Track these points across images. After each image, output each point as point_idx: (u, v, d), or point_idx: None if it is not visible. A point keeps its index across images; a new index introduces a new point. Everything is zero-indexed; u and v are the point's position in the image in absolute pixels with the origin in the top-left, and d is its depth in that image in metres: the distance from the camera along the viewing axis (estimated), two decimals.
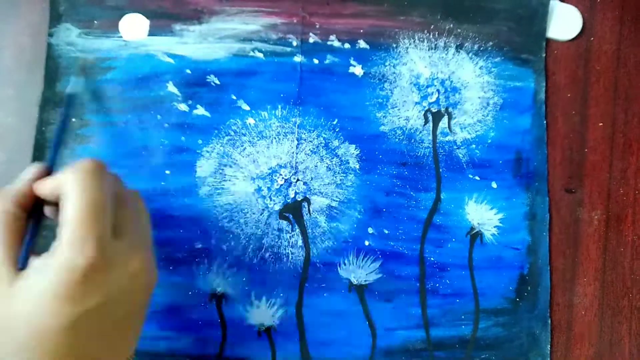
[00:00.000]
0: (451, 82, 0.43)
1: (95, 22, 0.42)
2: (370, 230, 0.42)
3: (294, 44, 0.42)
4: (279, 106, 0.42)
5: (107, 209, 0.28)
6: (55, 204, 0.30)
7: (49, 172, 0.33)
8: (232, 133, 0.42)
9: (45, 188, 0.30)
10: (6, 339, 0.27)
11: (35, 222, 0.31)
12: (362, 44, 0.43)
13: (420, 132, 0.43)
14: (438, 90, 0.43)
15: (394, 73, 0.43)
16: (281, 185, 0.42)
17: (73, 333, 0.26)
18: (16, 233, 0.29)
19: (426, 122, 0.43)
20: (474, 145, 0.43)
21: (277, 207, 0.42)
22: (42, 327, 0.26)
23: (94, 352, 0.28)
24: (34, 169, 0.32)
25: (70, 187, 0.28)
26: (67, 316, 0.26)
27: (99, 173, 0.29)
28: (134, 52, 0.42)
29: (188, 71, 0.42)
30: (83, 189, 0.28)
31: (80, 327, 0.27)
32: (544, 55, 0.43)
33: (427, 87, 0.43)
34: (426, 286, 0.42)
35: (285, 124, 0.42)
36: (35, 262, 0.28)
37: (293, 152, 0.42)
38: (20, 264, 0.28)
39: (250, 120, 0.42)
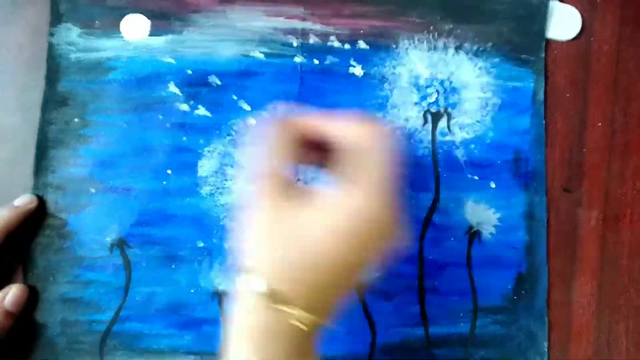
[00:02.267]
0: (450, 82, 0.43)
1: (96, 22, 0.42)
2: None
3: (295, 44, 0.42)
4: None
5: None
6: None
7: None
8: (234, 133, 0.42)
9: None
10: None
11: None
12: (362, 44, 0.43)
13: (420, 132, 0.43)
14: (437, 91, 0.43)
15: (394, 74, 0.43)
16: None
17: None
18: None
19: (425, 122, 0.43)
20: (472, 145, 0.43)
21: None
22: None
23: None
24: None
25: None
26: None
27: None
28: (135, 52, 0.42)
29: (189, 71, 0.42)
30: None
31: None
32: (543, 55, 0.43)
33: (427, 87, 0.43)
34: (425, 284, 0.42)
35: None
36: None
37: None
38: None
39: (251, 121, 0.42)
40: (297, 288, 0.28)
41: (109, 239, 0.41)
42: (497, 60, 0.43)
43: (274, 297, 0.27)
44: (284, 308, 0.27)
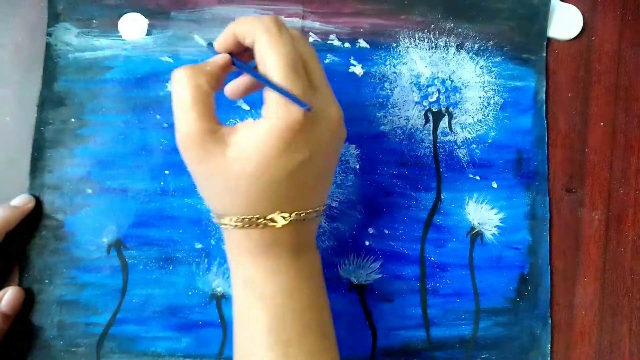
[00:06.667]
0: (452, 81, 0.43)
1: (94, 21, 0.42)
2: (370, 230, 0.42)
3: None
4: None
5: (302, 64, 0.29)
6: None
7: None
8: None
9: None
10: (215, 183, 0.30)
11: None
12: (362, 43, 0.42)
13: (421, 131, 0.43)
14: (438, 90, 0.43)
15: (394, 72, 0.43)
16: None
17: (286, 184, 0.29)
18: (209, 106, 0.30)
19: (426, 121, 0.43)
20: (474, 145, 0.43)
21: None
22: (261, 177, 0.28)
23: (300, 201, 0.30)
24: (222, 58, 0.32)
25: (265, 51, 0.28)
26: (282, 169, 0.28)
27: (285, 28, 0.30)
28: (132, 52, 0.42)
29: None
30: (278, 48, 0.28)
31: (292, 179, 0.29)
32: (544, 54, 0.43)
33: (428, 86, 0.43)
34: (426, 286, 0.42)
35: None
36: (243, 124, 0.29)
37: None
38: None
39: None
40: None
41: (105, 240, 0.41)
42: (498, 59, 0.43)
43: None
44: None
